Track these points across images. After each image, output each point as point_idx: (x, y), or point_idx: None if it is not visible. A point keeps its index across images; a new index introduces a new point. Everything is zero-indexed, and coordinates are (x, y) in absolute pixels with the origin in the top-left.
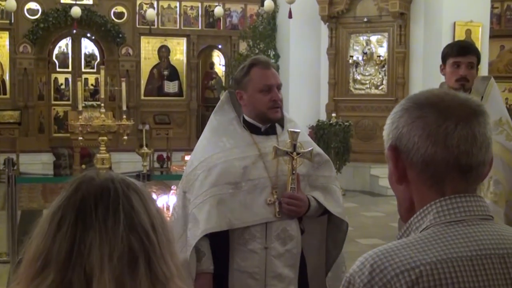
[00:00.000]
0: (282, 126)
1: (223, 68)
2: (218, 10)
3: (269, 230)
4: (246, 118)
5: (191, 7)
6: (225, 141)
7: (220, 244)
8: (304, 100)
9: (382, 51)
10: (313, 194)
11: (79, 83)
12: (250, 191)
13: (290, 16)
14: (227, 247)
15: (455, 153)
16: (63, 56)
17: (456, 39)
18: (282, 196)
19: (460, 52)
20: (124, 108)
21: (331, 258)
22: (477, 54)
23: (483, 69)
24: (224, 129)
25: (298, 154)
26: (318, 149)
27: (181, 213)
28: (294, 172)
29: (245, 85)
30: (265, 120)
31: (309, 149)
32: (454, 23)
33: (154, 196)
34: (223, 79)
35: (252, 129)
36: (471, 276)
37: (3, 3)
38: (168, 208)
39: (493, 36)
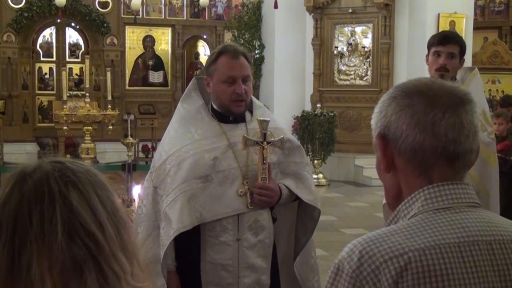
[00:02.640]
0: (251, 112)
1: None
2: (203, 0)
3: (241, 221)
4: (214, 105)
5: None
6: (193, 131)
7: (190, 236)
8: (289, 90)
9: (367, 42)
10: (284, 182)
11: (63, 72)
12: (220, 183)
13: (275, 7)
14: (198, 239)
15: (443, 141)
16: (47, 46)
17: (440, 31)
18: (253, 186)
19: (441, 41)
20: (109, 98)
21: (299, 244)
22: (459, 44)
23: (467, 61)
24: (192, 118)
25: (268, 143)
26: (288, 135)
27: (150, 208)
28: (264, 162)
29: (211, 73)
30: (227, 112)
31: (280, 137)
32: (439, 14)
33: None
34: None
35: (220, 117)
36: (459, 263)
37: None
38: None
39: (477, 27)
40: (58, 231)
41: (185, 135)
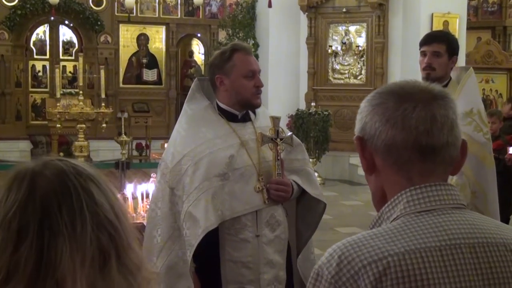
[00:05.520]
0: (254, 112)
1: (202, 57)
2: None
3: (259, 217)
4: (221, 105)
5: None
6: (204, 131)
7: (207, 235)
8: (283, 89)
9: (361, 41)
10: (291, 178)
11: (57, 70)
12: (237, 180)
13: (269, 6)
14: (214, 238)
15: (414, 133)
16: (40, 43)
17: (433, 30)
18: (269, 182)
19: (425, 41)
20: (103, 96)
21: (302, 240)
22: (446, 42)
23: (460, 61)
24: (201, 118)
25: (281, 139)
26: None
27: (167, 210)
28: (278, 158)
29: (227, 70)
30: (246, 106)
31: (289, 134)
32: (432, 14)
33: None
34: (202, 67)
35: (228, 116)
36: (440, 267)
37: None
38: (147, 196)
39: (470, 27)
40: (87, 223)
41: (197, 135)
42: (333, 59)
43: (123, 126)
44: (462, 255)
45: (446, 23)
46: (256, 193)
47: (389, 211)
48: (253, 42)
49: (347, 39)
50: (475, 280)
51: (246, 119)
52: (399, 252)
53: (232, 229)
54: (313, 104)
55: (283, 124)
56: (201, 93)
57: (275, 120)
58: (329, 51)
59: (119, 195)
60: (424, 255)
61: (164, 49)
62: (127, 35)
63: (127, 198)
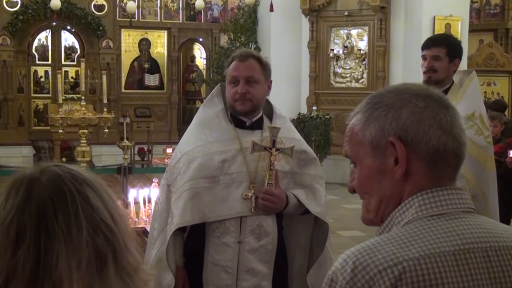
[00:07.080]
0: (271, 121)
1: (204, 61)
2: (199, 3)
3: (243, 224)
4: (233, 111)
5: (172, 0)
6: (207, 133)
7: (196, 237)
8: (285, 93)
9: (363, 44)
10: (295, 192)
11: (59, 75)
12: (227, 185)
13: (271, 9)
14: (203, 240)
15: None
16: (42, 49)
17: (435, 33)
18: (259, 191)
19: (426, 45)
20: (105, 101)
21: (313, 257)
22: (446, 46)
23: (462, 63)
24: (209, 121)
25: (277, 150)
26: (305, 147)
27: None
28: (272, 168)
29: (225, 77)
30: (234, 112)
31: (291, 145)
32: (434, 17)
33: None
34: (204, 72)
35: (238, 123)
36: (454, 271)
37: None
38: (149, 201)
39: (472, 30)
40: (83, 226)
41: (200, 137)
42: (334, 63)
43: (125, 131)
44: (475, 259)
45: (448, 26)
46: (243, 199)
47: (400, 215)
48: (254, 46)
49: (349, 43)
50: (488, 284)
51: (255, 127)
52: (414, 257)
53: (216, 232)
54: (314, 108)
55: None
56: (220, 97)
57: (273, 130)
58: (331, 54)
59: (118, 200)
60: (439, 259)
61: (165, 54)
62: (129, 40)
63: (129, 203)
